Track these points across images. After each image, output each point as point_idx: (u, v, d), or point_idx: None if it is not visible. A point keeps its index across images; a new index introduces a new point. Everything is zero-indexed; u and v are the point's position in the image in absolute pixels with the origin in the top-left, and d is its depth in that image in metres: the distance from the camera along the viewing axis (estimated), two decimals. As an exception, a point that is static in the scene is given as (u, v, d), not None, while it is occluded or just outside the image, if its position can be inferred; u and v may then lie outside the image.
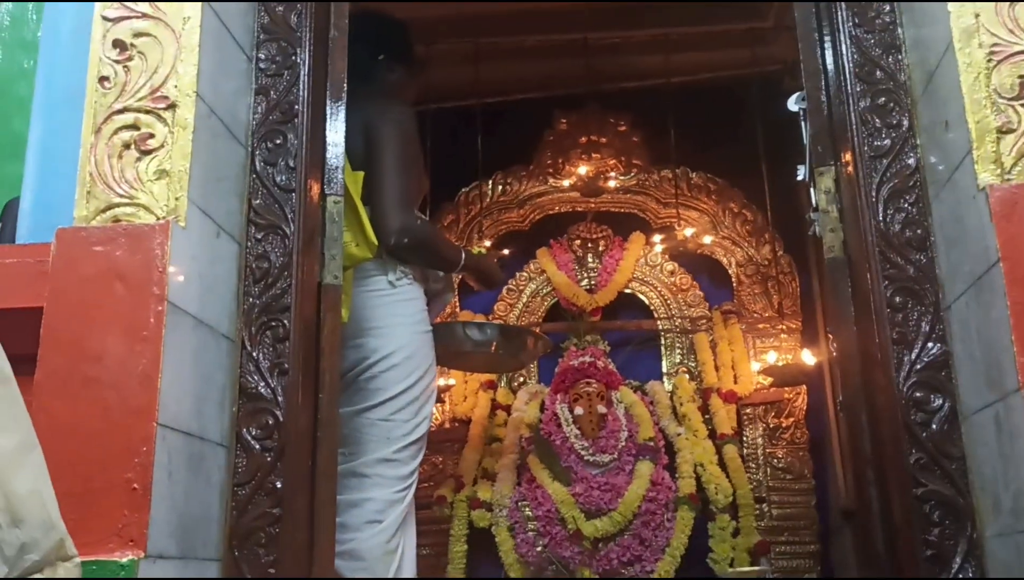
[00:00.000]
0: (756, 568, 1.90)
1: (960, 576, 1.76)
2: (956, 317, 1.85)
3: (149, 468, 1.62)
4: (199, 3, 1.89)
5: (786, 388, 3.75)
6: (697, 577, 3.37)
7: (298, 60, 2.14)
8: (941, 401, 1.84)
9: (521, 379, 4.03)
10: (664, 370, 4.01)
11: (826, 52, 2.11)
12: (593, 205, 4.22)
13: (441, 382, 3.78)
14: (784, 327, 3.93)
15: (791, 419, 3.72)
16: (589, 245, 4.20)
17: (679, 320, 4.04)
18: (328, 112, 2.21)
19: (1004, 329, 1.63)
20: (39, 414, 1.60)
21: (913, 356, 1.88)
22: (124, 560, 1.56)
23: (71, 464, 1.59)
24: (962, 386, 1.83)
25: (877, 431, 1.93)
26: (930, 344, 1.88)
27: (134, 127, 1.83)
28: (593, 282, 4.11)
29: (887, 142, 1.98)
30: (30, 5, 2.53)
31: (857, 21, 2.05)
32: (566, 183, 4.18)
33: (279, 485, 1.90)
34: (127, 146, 1.82)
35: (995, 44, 1.77)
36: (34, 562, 1.07)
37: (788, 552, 3.52)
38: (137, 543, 1.58)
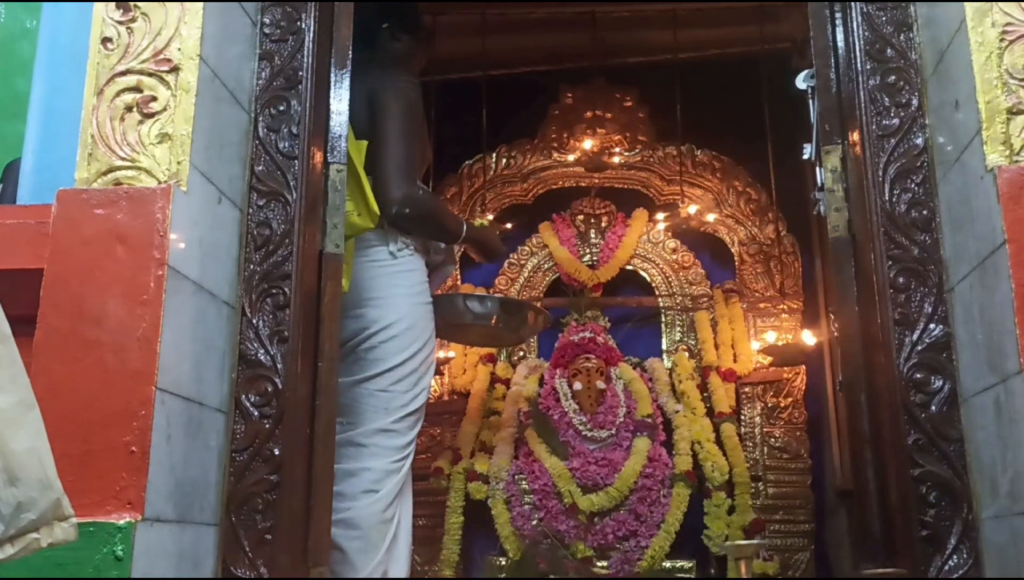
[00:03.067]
0: (755, 542, 1.91)
1: (954, 557, 1.77)
2: (959, 299, 1.85)
3: (147, 432, 1.62)
4: (204, -35, 1.87)
5: (785, 368, 3.75)
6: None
7: (303, 26, 2.12)
8: (941, 383, 1.84)
9: (521, 353, 4.03)
10: (664, 347, 4.01)
11: (837, 29, 2.09)
12: (597, 180, 4.20)
13: (441, 354, 3.78)
14: (785, 307, 3.92)
15: (789, 399, 3.72)
16: (592, 221, 4.18)
17: (680, 298, 4.04)
18: (332, 79, 2.19)
19: (1007, 311, 1.63)
20: (38, 376, 1.60)
21: (915, 337, 1.87)
22: (121, 522, 1.57)
23: (70, 426, 1.59)
24: (963, 368, 1.83)
25: (876, 411, 1.93)
26: (932, 325, 1.87)
27: (136, 89, 1.82)
28: (595, 258, 4.10)
29: (895, 121, 1.97)
30: (33, -36, 2.50)
31: (869, -2, 2.03)
32: (570, 158, 4.16)
33: (277, 452, 1.91)
34: (129, 109, 1.81)
35: (1008, 24, 1.75)
36: (30, 521, 1.07)
37: (783, 531, 3.54)
38: (135, 506, 1.59)
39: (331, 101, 2.18)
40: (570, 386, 3.63)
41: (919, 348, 1.87)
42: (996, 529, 1.73)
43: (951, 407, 1.83)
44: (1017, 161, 1.69)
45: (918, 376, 1.86)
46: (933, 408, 1.84)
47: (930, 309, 1.88)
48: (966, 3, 1.78)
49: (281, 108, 2.07)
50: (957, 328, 1.85)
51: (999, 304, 1.66)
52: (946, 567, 1.76)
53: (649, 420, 3.54)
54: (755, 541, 2.75)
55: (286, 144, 2.06)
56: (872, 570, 1.02)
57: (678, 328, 4.02)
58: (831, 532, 3.65)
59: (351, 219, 2.30)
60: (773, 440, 3.67)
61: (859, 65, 2.01)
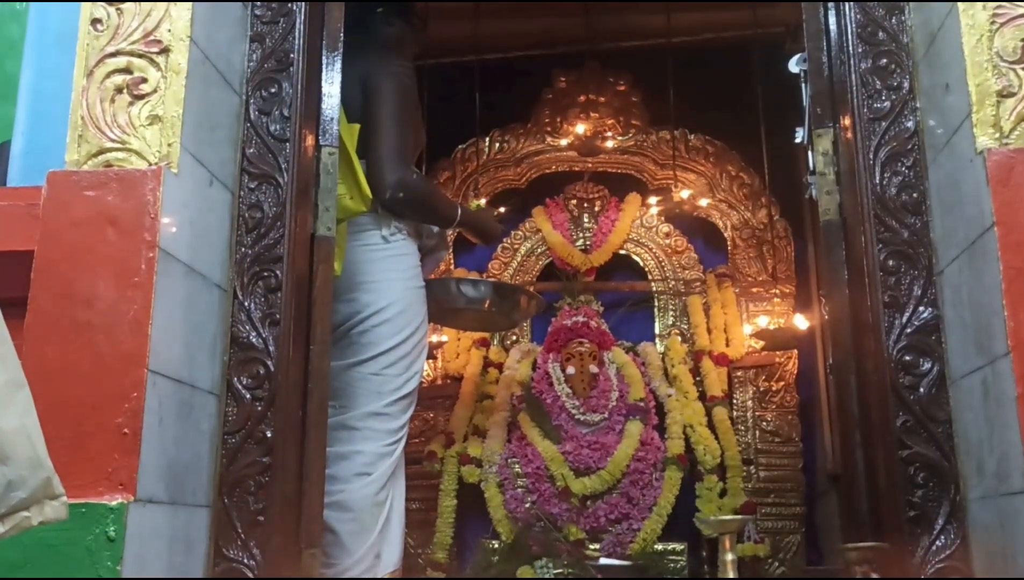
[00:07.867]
0: (739, 517, 1.92)
1: (942, 537, 1.78)
2: (948, 281, 1.85)
3: (139, 413, 1.62)
4: (194, -54, 1.86)
5: (777, 352, 3.76)
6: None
7: (294, 8, 2.11)
8: (930, 365, 1.85)
9: (514, 337, 4.03)
10: (656, 332, 4.02)
11: (829, 12, 2.09)
12: (590, 165, 4.20)
13: (434, 338, 3.79)
14: (778, 291, 3.93)
15: (781, 383, 3.73)
16: (585, 205, 4.18)
17: (673, 282, 4.04)
18: (324, 62, 2.19)
19: (996, 294, 1.63)
20: (29, 358, 1.60)
21: (904, 320, 1.88)
22: (114, 503, 1.57)
23: (61, 407, 1.59)
24: (951, 350, 1.84)
25: (865, 394, 1.94)
26: (921, 308, 1.88)
27: (127, 71, 1.81)
28: (588, 242, 4.10)
29: (887, 104, 1.97)
30: (23, -54, 2.49)
31: (862, -20, 2.03)
32: (564, 142, 4.16)
33: (269, 434, 1.91)
34: (119, 90, 1.80)
35: (999, 6, 1.75)
36: (21, 499, 1.08)
37: (774, 514, 3.55)
38: (127, 487, 1.59)
39: (323, 84, 2.18)
40: (563, 370, 3.64)
41: (908, 330, 1.88)
42: (983, 509, 1.74)
43: (939, 389, 1.84)
44: (1006, 144, 1.69)
45: (907, 358, 1.87)
46: (922, 390, 1.85)
47: (919, 292, 1.89)
48: (957, -14, 1.78)
49: (272, 90, 2.07)
50: (946, 310, 1.86)
51: (987, 286, 1.67)
52: (933, 547, 1.78)
53: (641, 404, 3.56)
54: (739, 517, 2.76)
55: (277, 127, 2.05)
56: (852, 545, 1.03)
57: (671, 312, 4.03)
58: (822, 515, 3.67)
59: (343, 202, 2.30)
60: (765, 424, 3.68)
61: (851, 48, 2.01)
